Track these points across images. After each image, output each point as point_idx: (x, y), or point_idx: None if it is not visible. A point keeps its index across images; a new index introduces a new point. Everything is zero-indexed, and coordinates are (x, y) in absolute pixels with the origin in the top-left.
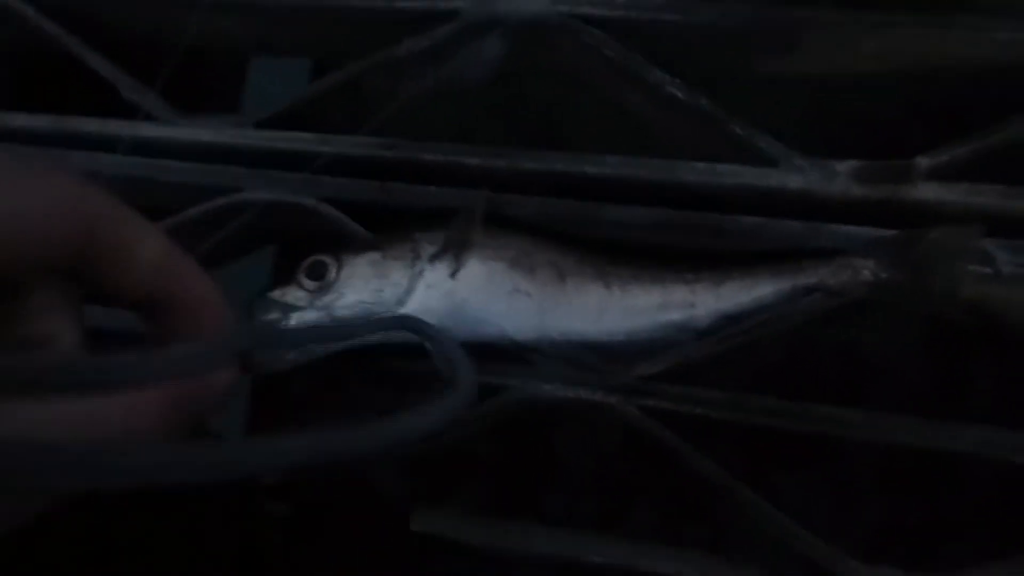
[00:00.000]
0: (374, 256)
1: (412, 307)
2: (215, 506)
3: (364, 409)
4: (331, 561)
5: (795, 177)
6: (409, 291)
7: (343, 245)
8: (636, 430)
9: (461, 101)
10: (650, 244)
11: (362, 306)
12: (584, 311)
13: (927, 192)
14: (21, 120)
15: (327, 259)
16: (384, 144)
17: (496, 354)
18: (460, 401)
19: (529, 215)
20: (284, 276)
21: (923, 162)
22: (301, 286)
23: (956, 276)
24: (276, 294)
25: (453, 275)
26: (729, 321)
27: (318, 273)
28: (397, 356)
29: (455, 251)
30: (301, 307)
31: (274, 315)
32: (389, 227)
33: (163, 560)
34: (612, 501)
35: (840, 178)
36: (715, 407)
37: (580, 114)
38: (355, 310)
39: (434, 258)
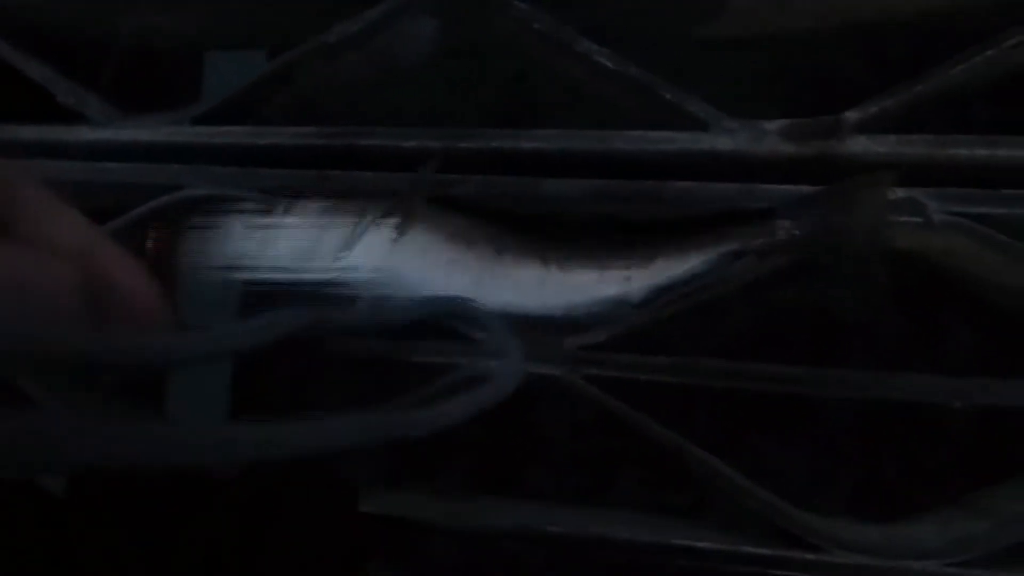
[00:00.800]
0: (323, 205)
1: (349, 261)
2: (175, 500)
3: (345, 395)
4: (292, 549)
5: (725, 139)
6: (348, 245)
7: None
8: (585, 400)
9: (420, 82)
10: (587, 222)
11: (299, 246)
12: (522, 285)
13: (856, 146)
14: None
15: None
16: (320, 133)
17: (438, 331)
18: (505, 389)
19: (470, 193)
20: None
21: (852, 116)
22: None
23: (873, 225)
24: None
25: (394, 240)
26: (663, 293)
27: (268, 210)
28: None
29: (398, 219)
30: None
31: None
32: None
33: (122, 554)
34: (595, 473)
35: (770, 137)
36: (661, 372)
37: (542, 89)
38: (290, 247)
39: (377, 221)
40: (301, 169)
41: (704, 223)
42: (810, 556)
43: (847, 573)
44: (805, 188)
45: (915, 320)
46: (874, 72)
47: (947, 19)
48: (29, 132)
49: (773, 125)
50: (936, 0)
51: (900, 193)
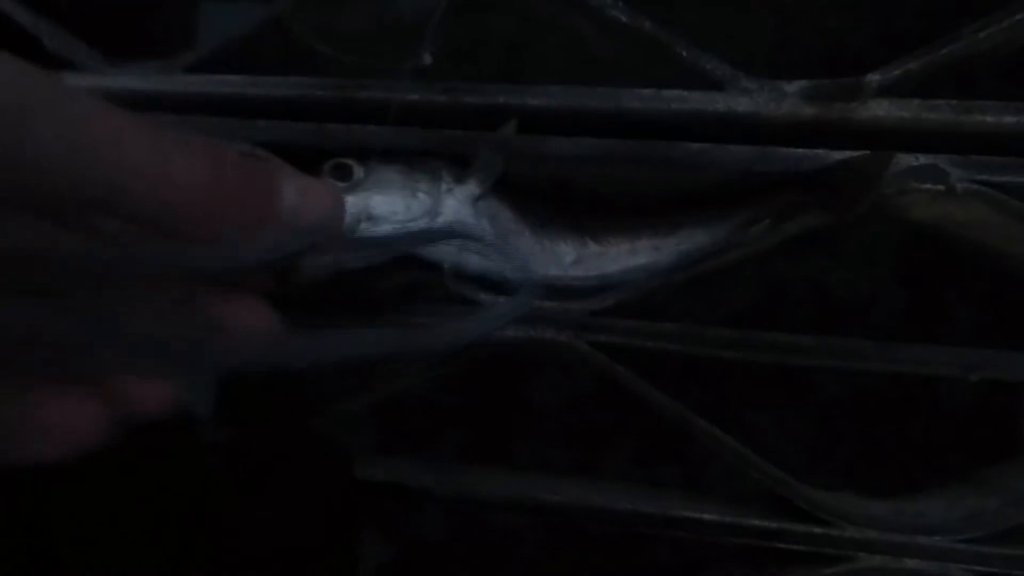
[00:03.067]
0: (402, 167)
1: (441, 222)
2: (164, 465)
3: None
4: (285, 515)
5: (743, 100)
6: (436, 205)
7: (359, 153)
8: (589, 366)
9: (419, 39)
10: (615, 191)
11: (392, 213)
12: (562, 257)
13: (878, 109)
14: None
15: (349, 162)
16: (318, 84)
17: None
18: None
19: (475, 150)
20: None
21: (874, 78)
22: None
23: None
24: None
25: (474, 203)
26: (688, 258)
27: (343, 175)
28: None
29: (478, 180)
30: None
31: None
32: None
33: (106, 523)
34: (587, 444)
35: (789, 99)
36: (667, 340)
37: (545, 51)
38: (384, 215)
39: (461, 178)
40: (297, 121)
41: (723, 189)
42: (817, 530)
43: (854, 547)
44: (823, 152)
45: (927, 292)
46: (883, 39)
47: None
48: None
49: (792, 86)
50: None
51: (922, 160)
